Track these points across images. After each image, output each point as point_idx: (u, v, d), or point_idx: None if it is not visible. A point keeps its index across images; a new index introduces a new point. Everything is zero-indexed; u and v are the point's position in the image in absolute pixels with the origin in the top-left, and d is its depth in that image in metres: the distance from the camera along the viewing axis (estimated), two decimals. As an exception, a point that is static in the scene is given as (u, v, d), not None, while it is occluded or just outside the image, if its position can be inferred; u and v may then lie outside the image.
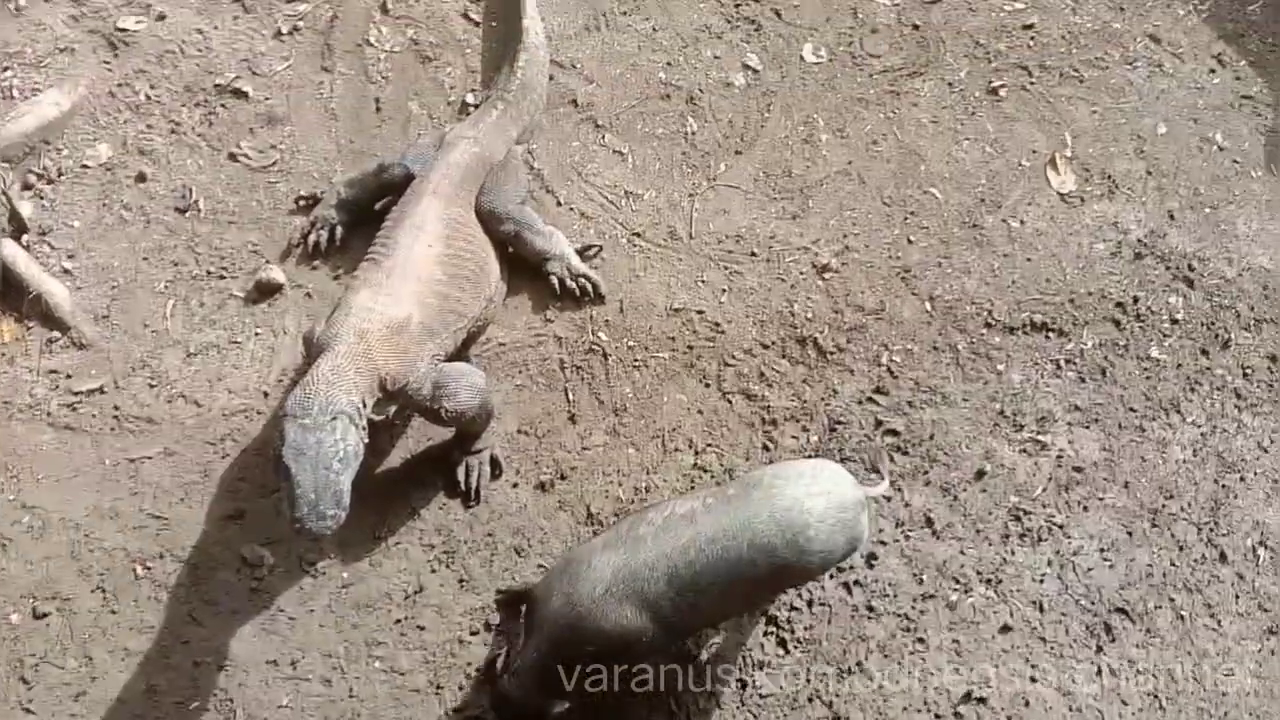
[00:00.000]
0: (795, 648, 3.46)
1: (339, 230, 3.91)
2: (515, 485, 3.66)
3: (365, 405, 3.24)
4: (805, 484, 3.10)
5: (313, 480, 3.02)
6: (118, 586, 3.46)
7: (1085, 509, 3.69)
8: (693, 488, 3.66)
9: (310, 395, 3.13)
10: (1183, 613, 3.57)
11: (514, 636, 3.34)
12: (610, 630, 3.03)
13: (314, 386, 3.15)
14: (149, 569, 3.48)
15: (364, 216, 3.91)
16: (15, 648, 3.37)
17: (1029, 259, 4.06)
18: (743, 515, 3.06)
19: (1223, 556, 3.65)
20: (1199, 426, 3.82)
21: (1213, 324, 3.97)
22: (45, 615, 3.42)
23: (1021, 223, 4.11)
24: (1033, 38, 4.40)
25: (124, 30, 4.24)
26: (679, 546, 3.04)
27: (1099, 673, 3.49)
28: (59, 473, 3.60)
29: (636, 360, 3.86)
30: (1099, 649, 3.52)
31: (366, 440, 3.22)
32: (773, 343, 3.89)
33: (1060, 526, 3.66)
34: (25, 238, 3.90)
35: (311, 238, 3.91)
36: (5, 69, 4.15)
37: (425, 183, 3.72)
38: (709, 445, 3.75)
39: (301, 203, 4.01)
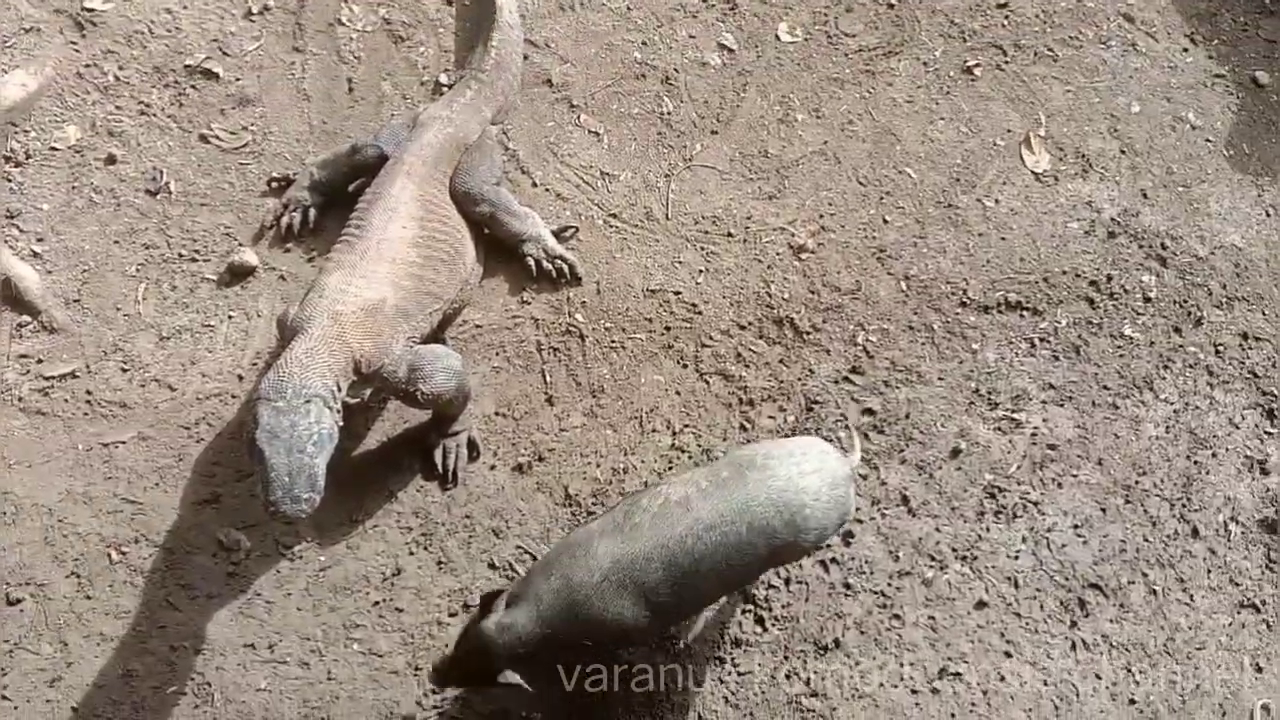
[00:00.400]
0: (773, 625, 3.48)
1: (312, 212, 3.88)
2: (493, 467, 3.66)
3: (340, 388, 3.23)
4: (797, 462, 3.11)
5: (287, 463, 3.01)
6: (92, 572, 3.43)
7: (1059, 486, 3.73)
8: (670, 469, 3.67)
9: (284, 378, 3.11)
10: (1155, 587, 3.61)
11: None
12: (607, 619, 3.04)
13: (288, 369, 3.14)
14: (124, 554, 3.46)
15: (337, 198, 3.88)
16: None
17: (1003, 238, 4.07)
18: (739, 498, 3.06)
19: (1195, 532, 3.69)
20: (1172, 404, 3.86)
21: (1185, 302, 4.00)
22: (19, 601, 3.39)
23: (996, 202, 4.13)
24: (1007, 17, 4.41)
25: (91, 10, 4.18)
26: (676, 535, 3.04)
27: (1073, 647, 3.53)
28: (31, 458, 3.57)
29: (614, 341, 3.86)
30: (1073, 624, 3.55)
31: (341, 423, 3.21)
32: (750, 323, 3.89)
33: (1035, 503, 3.70)
34: (-7, 221, 3.85)
35: (285, 220, 3.88)
36: (-30, 49, 4.09)
37: (399, 164, 3.69)
38: (686, 426, 3.75)
39: (274, 184, 3.98)
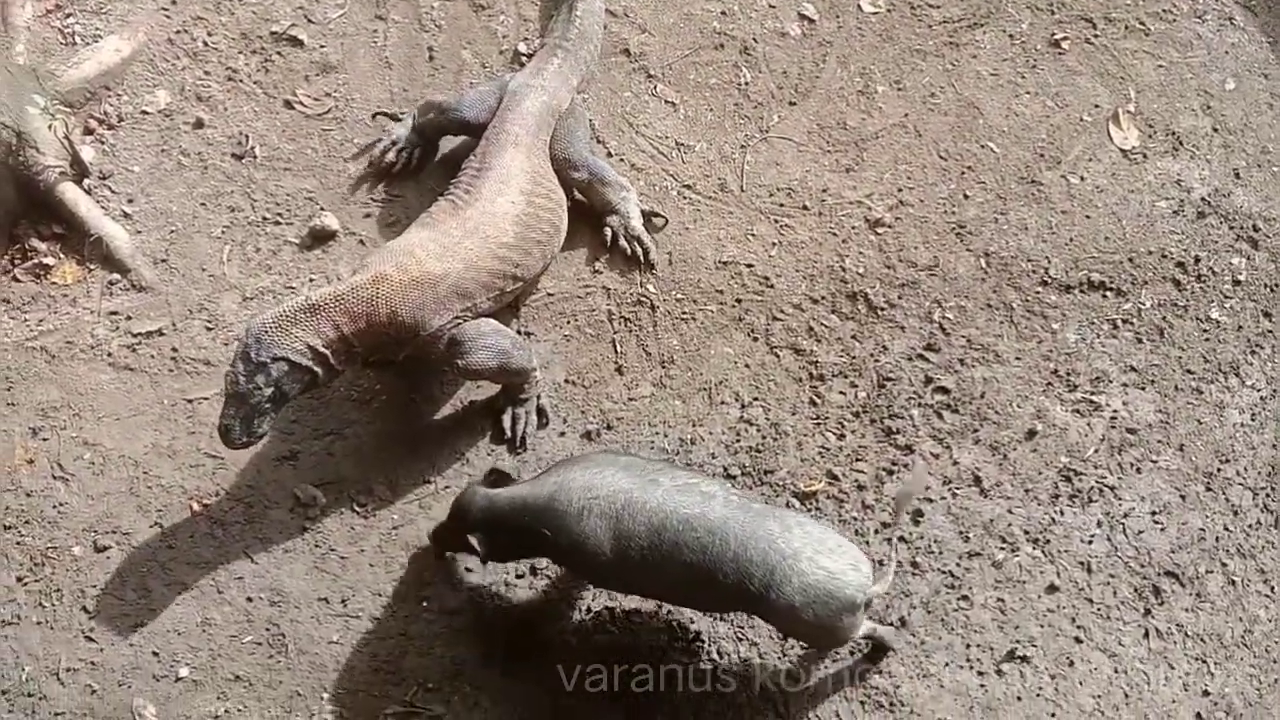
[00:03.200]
0: (838, 601, 3.46)
1: (416, 154, 3.94)
2: (562, 434, 3.69)
3: (331, 354, 3.26)
4: (824, 551, 3.02)
5: (235, 407, 3.20)
6: (175, 523, 3.54)
7: (1138, 471, 3.64)
8: (739, 440, 3.67)
9: (267, 328, 3.19)
10: (1234, 578, 3.52)
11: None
12: (571, 533, 3.08)
13: (279, 319, 3.20)
14: (205, 506, 3.56)
15: (431, 151, 3.97)
16: (77, 579, 3.48)
17: (1088, 216, 3.97)
18: (750, 528, 3.03)
19: (1279, 522, 3.58)
20: (1258, 390, 3.74)
21: (1277, 286, 3.87)
22: (105, 549, 3.52)
23: (1081, 179, 4.03)
24: (1099, -12, 4.28)
25: (182, -24, 4.27)
26: (679, 514, 3.04)
27: (1146, 635, 3.46)
28: (119, 411, 3.69)
29: (684, 313, 3.85)
30: (1147, 612, 3.48)
31: (322, 380, 3.30)
32: (822, 297, 3.86)
33: (1111, 488, 3.62)
34: (86, 182, 3.96)
35: (390, 156, 3.94)
36: (68, 15, 4.20)
37: (503, 133, 3.70)
38: (755, 399, 3.74)
39: (379, 119, 4.04)
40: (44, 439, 3.65)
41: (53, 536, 3.53)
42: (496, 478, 3.30)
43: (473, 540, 3.19)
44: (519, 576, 3.49)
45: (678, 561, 3.04)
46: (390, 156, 3.95)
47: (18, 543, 3.51)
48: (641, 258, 3.87)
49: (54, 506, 3.56)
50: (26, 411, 3.68)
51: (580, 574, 3.36)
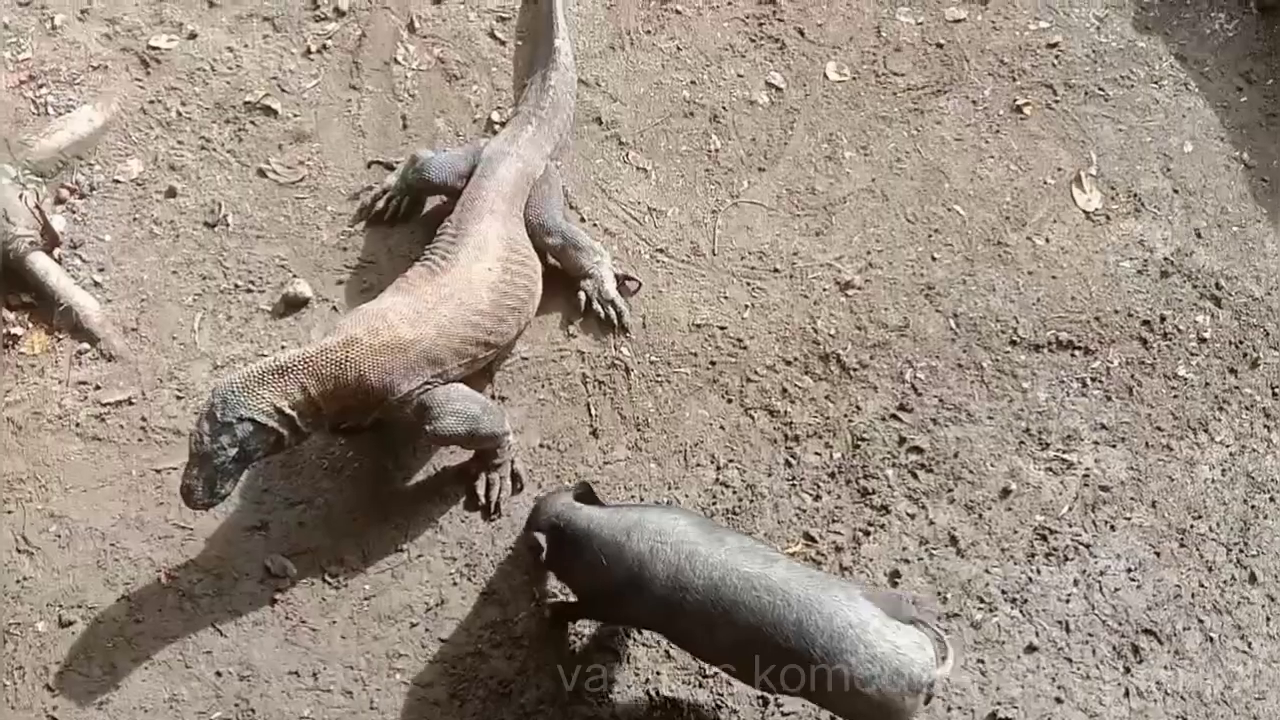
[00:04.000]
0: (817, 665, 3.43)
1: (405, 203, 4.01)
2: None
3: (298, 416, 3.25)
4: (884, 620, 2.94)
5: (198, 467, 3.19)
6: (143, 595, 3.48)
7: (1112, 528, 3.66)
8: (715, 503, 3.66)
9: (234, 389, 3.19)
10: (1212, 634, 3.52)
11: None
12: (631, 567, 3.07)
13: (246, 380, 3.20)
14: (174, 578, 3.50)
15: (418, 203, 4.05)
16: (41, 655, 3.40)
17: (1054, 276, 4.04)
18: (814, 594, 2.95)
19: (1253, 578, 3.60)
20: (1227, 446, 3.78)
21: (1241, 343, 3.93)
22: (70, 623, 3.45)
23: (1046, 240, 4.10)
24: (1057, 56, 4.40)
25: (156, 48, 4.31)
26: (738, 570, 3.01)
27: (1126, 694, 3.44)
28: (86, 482, 3.64)
29: (659, 375, 3.86)
30: (1126, 670, 3.47)
31: (288, 443, 3.29)
32: (795, 359, 3.89)
33: (1087, 546, 3.63)
34: (57, 251, 3.95)
35: (379, 204, 4.01)
36: (40, 86, 4.22)
37: (479, 200, 3.74)
38: (731, 461, 3.74)
39: (373, 165, 4.11)
40: (9, 511, 3.59)
41: (15, 612, 3.45)
42: (584, 492, 3.35)
43: (539, 538, 3.21)
44: (495, 646, 3.44)
45: (728, 623, 2.99)
46: (380, 205, 4.01)
47: (-21, 619, 3.44)
48: (615, 321, 3.88)
49: (17, 581, 3.49)
50: (-9, 484, 3.63)
51: (623, 616, 3.31)
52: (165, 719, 3.33)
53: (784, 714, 3.38)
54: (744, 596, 2.98)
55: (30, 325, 3.87)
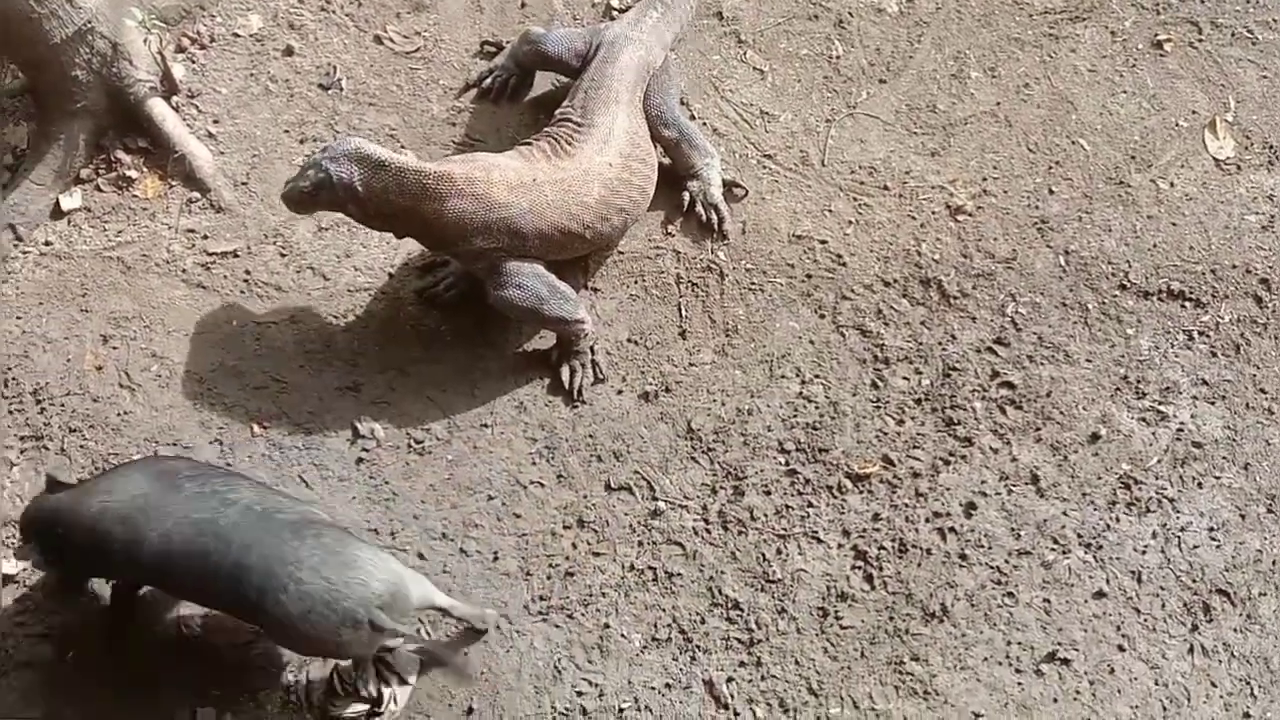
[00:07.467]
0: (881, 586, 3.46)
1: (512, 82, 3.99)
2: (619, 392, 3.69)
3: (371, 206, 3.40)
4: (324, 558, 2.94)
5: (294, 179, 3.44)
6: (234, 441, 3.60)
7: (1199, 486, 3.58)
8: (795, 415, 3.65)
9: (343, 147, 3.39)
10: (1288, 603, 3.46)
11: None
12: (88, 530, 3.04)
13: (357, 149, 3.36)
14: (265, 428, 3.62)
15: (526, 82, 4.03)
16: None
17: (1174, 223, 3.89)
18: (255, 536, 2.96)
19: (1340, 552, 3.51)
20: (1334, 416, 3.66)
21: (1363, 312, 3.77)
22: (166, 460, 3.59)
23: (1171, 185, 3.94)
24: (1209, -9, 4.16)
25: (284, -96, 4.28)
26: (191, 518, 2.99)
27: (1190, 651, 3.41)
28: (188, 327, 3.75)
29: (753, 283, 3.83)
30: (1194, 628, 3.43)
31: (353, 215, 3.45)
32: (895, 280, 3.82)
33: (1170, 500, 3.56)
34: (175, 99, 4.01)
35: (488, 82, 4.01)
36: (169, -69, 4.23)
37: (603, 88, 3.68)
38: (816, 376, 3.72)
39: (487, 48, 4.09)
40: (114, 348, 3.72)
41: (115, 443, 3.60)
42: (51, 484, 3.21)
43: (31, 550, 3.14)
44: (566, 528, 3.51)
45: (187, 567, 3.00)
46: (487, 82, 3.99)
47: (81, 445, 3.59)
48: (716, 226, 3.84)
49: (119, 414, 3.63)
50: (99, 319, 3.75)
51: (110, 575, 3.27)
52: (249, 559, 3.47)
53: (843, 626, 3.42)
54: (194, 544, 2.98)
55: (145, 170, 3.96)
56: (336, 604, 2.93)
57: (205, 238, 3.87)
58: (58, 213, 3.89)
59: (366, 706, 3.28)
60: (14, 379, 3.65)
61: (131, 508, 3.03)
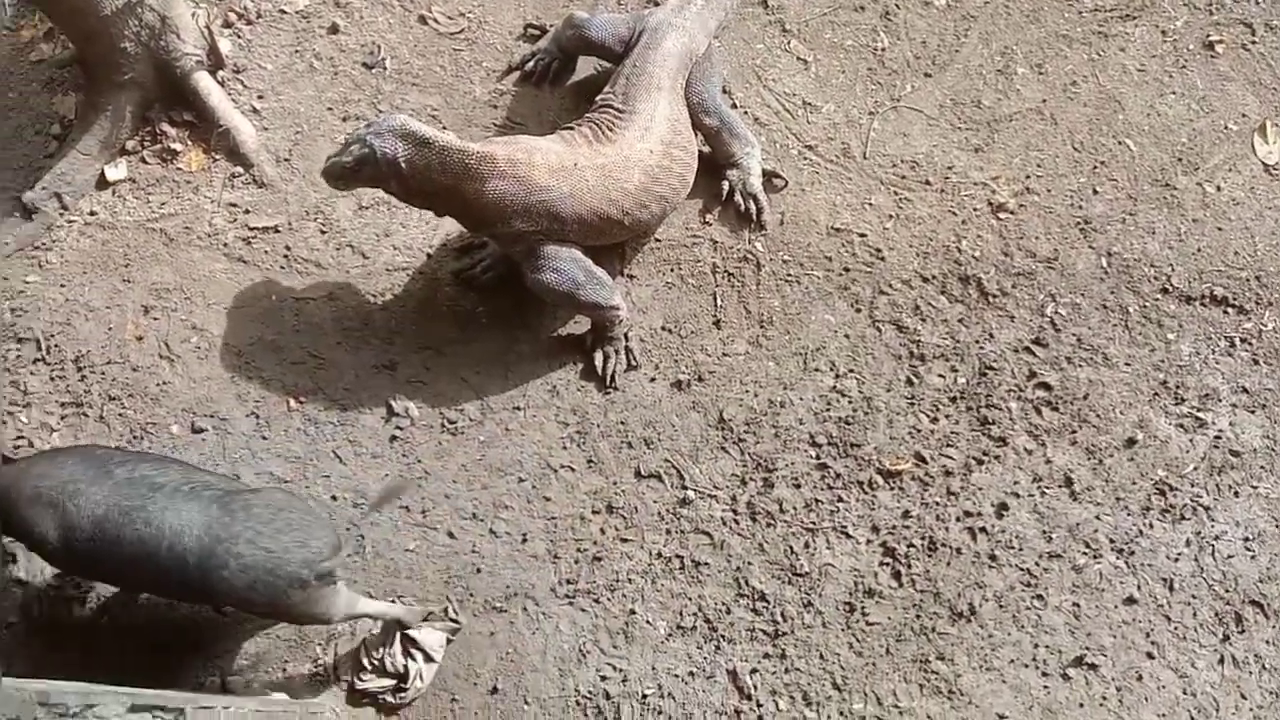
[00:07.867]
0: (909, 583, 3.45)
1: (555, 65, 4.01)
2: (652, 380, 3.69)
3: (413, 181, 3.39)
4: (259, 529, 2.97)
5: (338, 153, 3.42)
6: (271, 415, 3.64)
7: (1236, 495, 3.54)
8: (828, 409, 3.64)
9: (391, 124, 3.38)
10: (1323, 617, 3.42)
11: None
12: (21, 517, 3.03)
13: (402, 126, 3.36)
14: (301, 403, 3.65)
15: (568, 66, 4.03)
16: (172, 456, 3.58)
17: (1220, 228, 3.83)
18: (185, 518, 2.97)
19: (1378, 567, 3.46)
20: (1377, 429, 3.60)
21: None
22: (201, 431, 3.62)
23: (1218, 188, 3.88)
24: (1265, -7, 4.09)
25: (334, -119, 4.29)
26: (121, 505, 2.98)
27: (1221, 661, 3.38)
28: (228, 301, 3.78)
29: (790, 275, 3.82)
30: (1225, 638, 3.40)
31: (394, 192, 3.45)
32: (933, 277, 3.79)
33: (1206, 508, 3.52)
34: (221, 73, 4.03)
35: (530, 65, 4.03)
36: (219, -93, 4.26)
37: (645, 74, 3.69)
38: (851, 370, 3.70)
39: (530, 31, 4.11)
40: (155, 318, 3.76)
41: (153, 413, 3.64)
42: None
43: None
44: (595, 513, 3.52)
45: (120, 554, 3.00)
46: (530, 65, 4.01)
47: (120, 414, 3.64)
48: (754, 216, 3.83)
49: (158, 384, 3.68)
50: (141, 290, 3.79)
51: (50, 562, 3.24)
52: (281, 532, 3.50)
53: (869, 623, 3.41)
54: (124, 531, 2.98)
55: (189, 143, 3.99)
56: (280, 569, 2.99)
57: (247, 212, 3.90)
58: (103, 183, 3.93)
59: (393, 682, 3.32)
60: (56, 346, 3.70)
61: (61, 495, 3.03)
